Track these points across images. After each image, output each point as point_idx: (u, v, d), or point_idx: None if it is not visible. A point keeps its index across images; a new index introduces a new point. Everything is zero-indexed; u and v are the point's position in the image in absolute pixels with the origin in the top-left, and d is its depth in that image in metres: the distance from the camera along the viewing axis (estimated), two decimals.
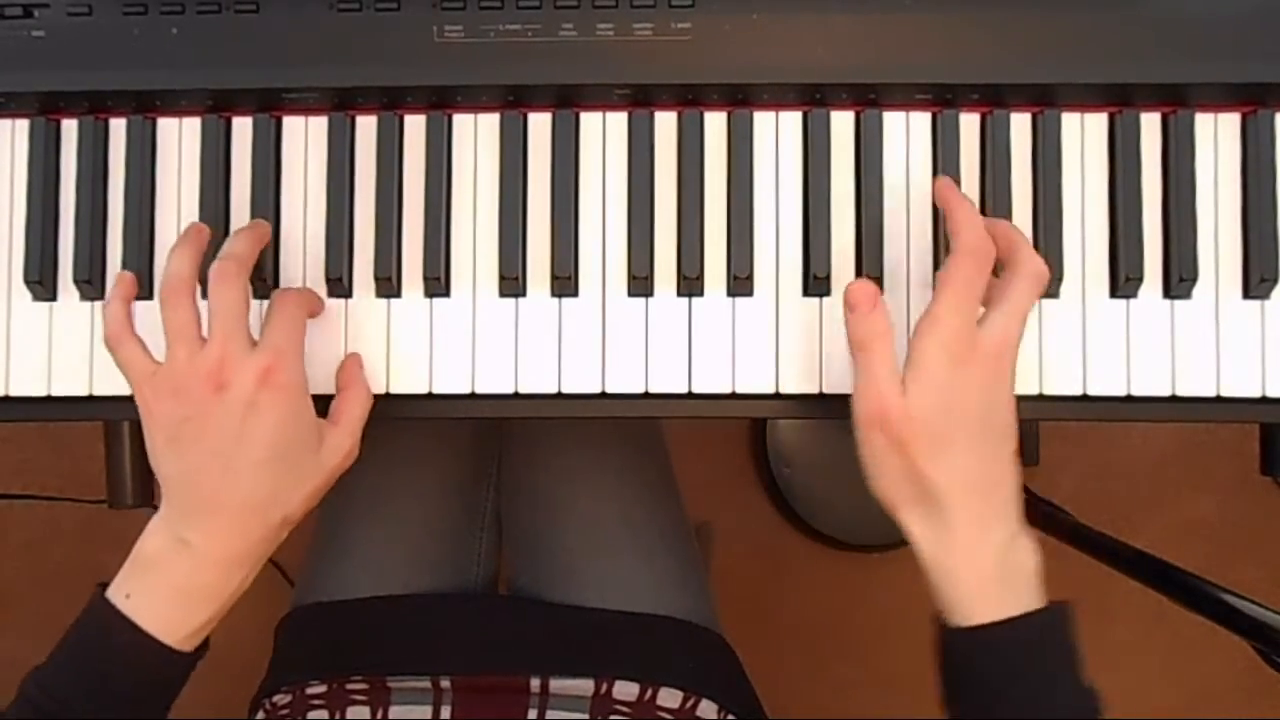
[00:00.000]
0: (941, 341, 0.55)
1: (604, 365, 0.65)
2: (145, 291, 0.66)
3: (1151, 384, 0.64)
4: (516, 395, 0.65)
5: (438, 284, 0.65)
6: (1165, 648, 1.56)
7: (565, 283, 0.65)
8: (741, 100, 0.65)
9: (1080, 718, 0.57)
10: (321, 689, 0.76)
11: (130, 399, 0.61)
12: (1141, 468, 1.57)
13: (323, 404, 0.62)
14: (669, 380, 0.65)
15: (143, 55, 0.64)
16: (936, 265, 0.65)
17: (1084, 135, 0.66)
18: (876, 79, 0.64)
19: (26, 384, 0.66)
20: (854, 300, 0.57)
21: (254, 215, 0.66)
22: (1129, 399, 0.65)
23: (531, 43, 0.64)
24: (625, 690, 0.76)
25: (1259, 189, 0.64)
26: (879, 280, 0.64)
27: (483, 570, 0.89)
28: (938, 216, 0.65)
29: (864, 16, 0.63)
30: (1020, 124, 0.66)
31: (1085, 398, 0.65)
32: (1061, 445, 1.56)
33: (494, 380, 0.65)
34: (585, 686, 0.76)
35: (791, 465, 1.45)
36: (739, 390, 0.65)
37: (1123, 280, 0.64)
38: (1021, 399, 0.64)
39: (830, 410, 0.64)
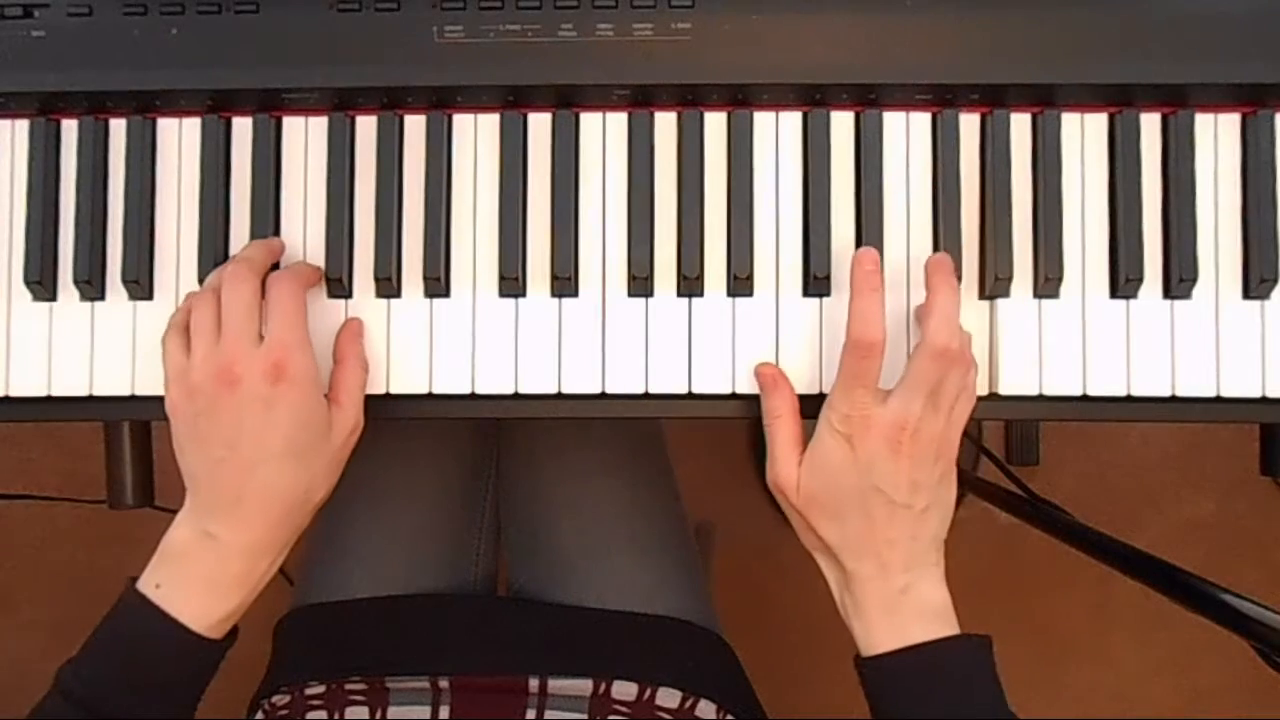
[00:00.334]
0: (830, 424, 0.60)
1: (604, 365, 0.65)
2: (146, 293, 0.66)
3: (1151, 384, 0.64)
4: (516, 395, 0.65)
5: (438, 284, 0.65)
6: (1165, 648, 1.56)
7: (565, 283, 0.65)
8: (741, 100, 0.65)
9: None
10: (320, 689, 0.76)
11: (128, 399, 0.64)
12: (1141, 468, 1.57)
13: None
14: (669, 380, 0.65)
15: (143, 55, 0.64)
16: None
17: (1084, 135, 0.66)
18: (876, 79, 0.64)
19: (26, 384, 0.66)
20: (760, 383, 0.64)
21: (254, 215, 0.66)
22: (1129, 399, 0.65)
23: (531, 43, 0.64)
24: (624, 690, 0.76)
25: (1259, 189, 0.64)
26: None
27: (482, 570, 0.89)
28: (937, 216, 0.65)
29: (864, 16, 0.63)
30: (1020, 124, 0.66)
31: (1085, 398, 0.65)
32: (1061, 445, 1.56)
33: (494, 380, 0.65)
34: (584, 686, 0.76)
35: None
36: (739, 390, 0.65)
37: (1123, 280, 0.64)
38: (1022, 399, 0.64)
39: None
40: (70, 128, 0.67)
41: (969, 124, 0.66)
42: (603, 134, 0.66)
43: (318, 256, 0.66)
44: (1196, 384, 0.64)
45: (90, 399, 0.66)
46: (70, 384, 0.66)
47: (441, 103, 0.66)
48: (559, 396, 0.65)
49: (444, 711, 0.74)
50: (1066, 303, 0.65)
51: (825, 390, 0.64)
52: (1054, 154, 0.65)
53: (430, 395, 0.65)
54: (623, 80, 0.64)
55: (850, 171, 0.66)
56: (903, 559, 0.60)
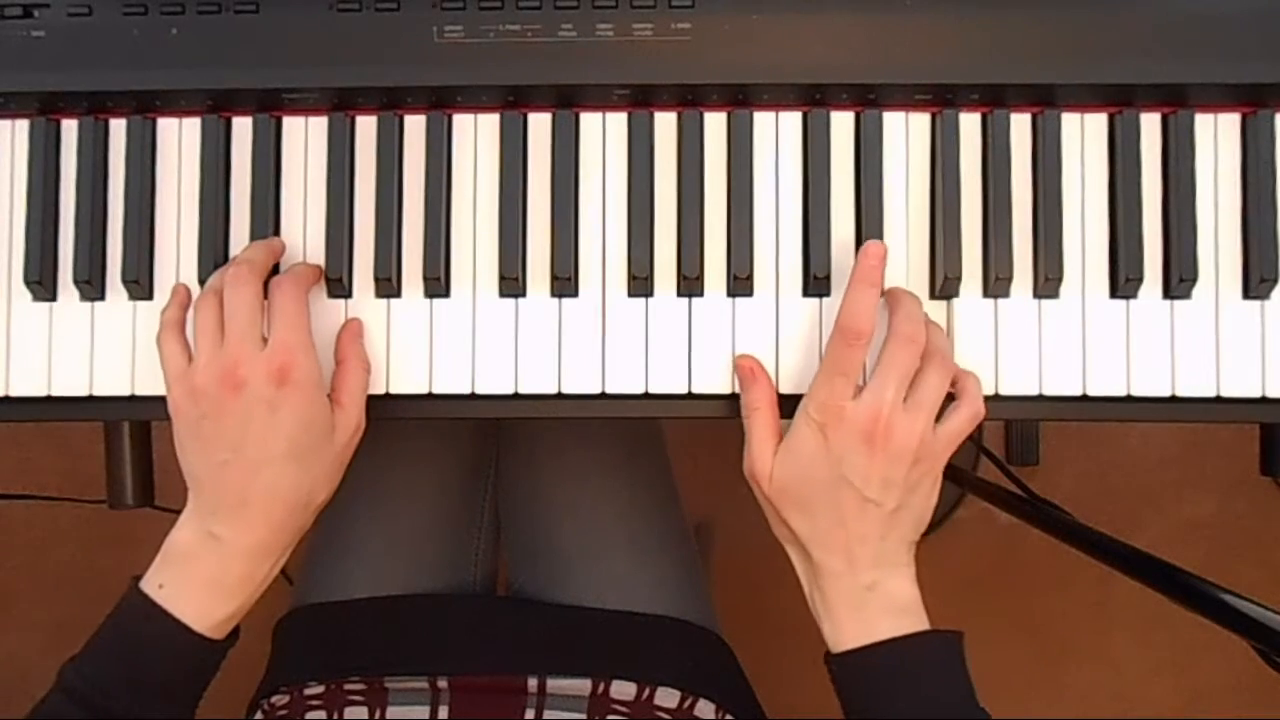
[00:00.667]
0: (808, 414, 0.60)
1: (604, 365, 0.65)
2: (146, 293, 0.66)
3: (1151, 384, 0.64)
4: (516, 395, 0.65)
5: (438, 284, 0.65)
6: (1165, 648, 1.56)
7: (565, 283, 0.65)
8: (741, 100, 0.65)
9: None
10: (319, 689, 0.76)
11: (128, 399, 0.64)
12: (1141, 468, 1.57)
13: None
14: (669, 380, 0.65)
15: (143, 55, 0.64)
16: (936, 266, 0.65)
17: (1084, 135, 0.66)
18: (876, 79, 0.64)
19: (26, 384, 0.66)
20: (739, 375, 0.64)
21: (254, 215, 0.66)
22: (1129, 399, 0.65)
23: (531, 43, 0.64)
24: (623, 690, 0.76)
25: (1259, 189, 0.64)
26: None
27: (481, 570, 0.89)
28: (937, 216, 0.65)
29: (864, 16, 0.63)
30: (1020, 124, 0.66)
31: (1085, 398, 0.65)
32: (1061, 445, 1.56)
33: (494, 380, 0.65)
34: (583, 686, 0.76)
35: None
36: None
37: (1123, 280, 0.64)
38: (1021, 399, 0.64)
39: None
40: (70, 128, 0.67)
41: (969, 124, 0.66)
42: (603, 134, 0.66)
43: (318, 256, 0.66)
44: (1196, 384, 0.64)
45: (90, 399, 0.66)
46: (70, 384, 0.66)
47: (441, 103, 0.66)
48: (559, 396, 0.65)
49: (443, 711, 0.74)
50: (1066, 303, 0.65)
51: None
52: (1054, 154, 0.65)
53: (430, 395, 0.65)
54: (623, 80, 0.64)
55: (850, 171, 0.66)
56: (871, 556, 0.60)
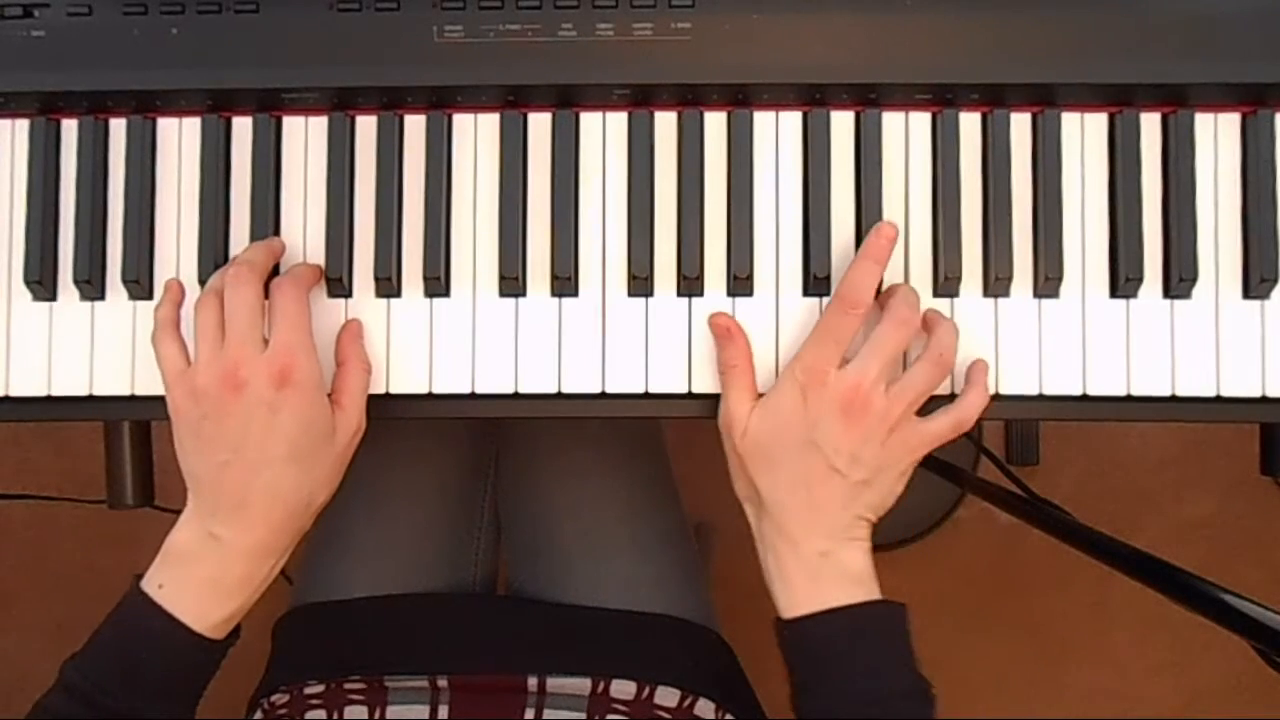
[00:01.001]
0: (793, 373, 0.61)
1: (604, 365, 0.65)
2: (146, 293, 0.66)
3: (1151, 384, 0.64)
4: (516, 395, 0.65)
5: (438, 284, 0.65)
6: (1165, 648, 1.56)
7: (565, 283, 0.65)
8: (741, 100, 0.65)
9: (884, 711, 0.60)
10: (319, 689, 0.76)
11: (128, 399, 0.64)
12: (1141, 468, 1.57)
13: None
14: (669, 380, 0.65)
15: (143, 55, 0.64)
16: (936, 265, 0.65)
17: (1084, 135, 0.66)
18: (876, 79, 0.64)
19: (26, 384, 0.66)
20: (714, 334, 0.64)
21: (254, 215, 0.66)
22: (1129, 399, 0.65)
23: (531, 43, 0.64)
24: (623, 689, 0.76)
25: (1259, 189, 0.64)
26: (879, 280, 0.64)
27: (481, 570, 0.89)
28: (937, 216, 0.65)
29: (864, 16, 0.63)
30: (1020, 124, 0.66)
31: (1085, 398, 0.65)
32: (1061, 445, 1.56)
33: (494, 380, 0.65)
34: (583, 685, 0.76)
35: None
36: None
37: (1123, 280, 0.64)
38: (1021, 399, 0.64)
39: None
40: (70, 128, 0.67)
41: (969, 124, 0.66)
42: (603, 134, 0.66)
43: (318, 256, 0.66)
44: (1196, 384, 0.64)
45: (90, 399, 0.66)
46: (70, 384, 0.66)
47: (441, 103, 0.66)
48: (559, 396, 0.65)
49: (443, 711, 0.74)
50: (1066, 303, 0.65)
51: None
52: (1054, 154, 0.65)
53: (430, 395, 0.65)
54: (623, 80, 0.64)
55: (850, 171, 0.66)
56: (828, 524, 0.61)
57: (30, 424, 0.67)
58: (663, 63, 0.64)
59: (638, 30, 0.63)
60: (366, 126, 0.66)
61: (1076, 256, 0.65)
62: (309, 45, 0.64)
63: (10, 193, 0.67)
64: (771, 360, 0.65)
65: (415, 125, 0.66)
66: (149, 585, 0.60)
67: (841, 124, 0.66)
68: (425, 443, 0.88)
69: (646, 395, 0.65)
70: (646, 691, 0.76)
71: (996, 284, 0.64)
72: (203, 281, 0.65)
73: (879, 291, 0.64)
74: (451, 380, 0.65)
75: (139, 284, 0.66)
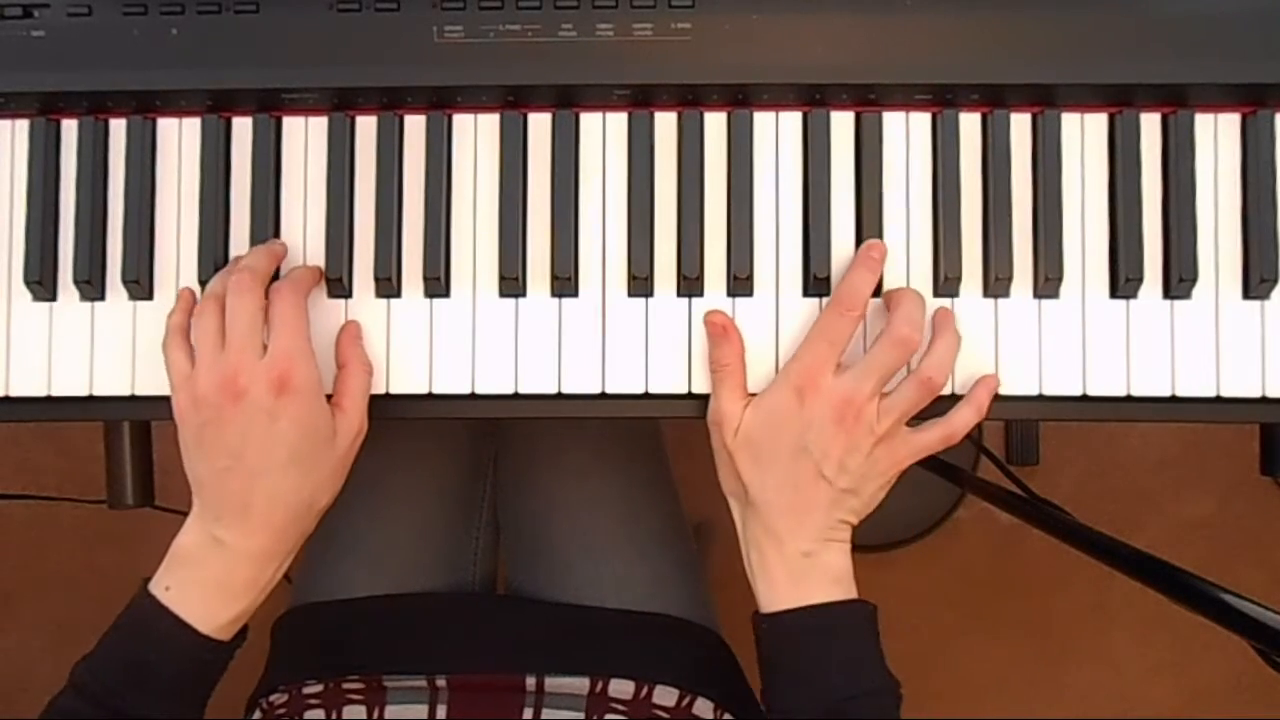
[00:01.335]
0: (789, 375, 0.62)
1: (604, 365, 0.65)
2: (146, 293, 0.66)
3: (1151, 384, 0.64)
4: (516, 395, 0.65)
5: (438, 284, 0.65)
6: (1165, 648, 1.56)
7: (565, 283, 0.65)
8: (741, 100, 0.65)
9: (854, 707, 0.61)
10: (318, 688, 0.76)
11: (128, 399, 0.65)
12: (1141, 468, 1.57)
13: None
14: (669, 380, 0.65)
15: (143, 55, 0.64)
16: (936, 266, 0.65)
17: (1084, 135, 0.66)
18: (876, 79, 0.64)
19: (26, 384, 0.66)
20: (709, 331, 0.64)
21: (254, 215, 0.66)
22: (1129, 399, 0.65)
23: (531, 43, 0.64)
24: (621, 688, 0.76)
25: (1259, 189, 0.64)
26: (878, 281, 0.64)
27: (480, 569, 0.89)
28: (937, 216, 0.65)
29: (864, 16, 0.63)
30: (1020, 124, 0.66)
31: (1085, 398, 0.65)
32: (1061, 445, 1.56)
33: (494, 380, 0.65)
34: (581, 685, 0.76)
35: None
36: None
37: (1123, 280, 0.64)
38: (1021, 399, 0.64)
39: None
40: (70, 128, 0.67)
41: (969, 124, 0.66)
42: (603, 134, 0.66)
43: (318, 256, 0.66)
44: (1196, 384, 0.64)
45: (90, 399, 0.66)
46: (70, 384, 0.66)
47: (441, 103, 0.66)
48: (559, 396, 0.65)
49: (441, 710, 0.74)
50: (1066, 303, 0.65)
51: None
52: (1054, 154, 0.65)
53: (430, 395, 0.65)
54: (623, 80, 0.64)
55: (850, 171, 0.66)
56: (812, 526, 0.62)
57: (30, 424, 0.67)
58: (663, 63, 0.64)
59: (638, 30, 0.63)
60: (366, 126, 0.66)
61: (1076, 257, 0.65)
62: (309, 45, 0.64)
63: (10, 193, 0.67)
64: (771, 360, 0.65)
65: (415, 125, 0.66)
66: (156, 588, 0.61)
67: (841, 124, 0.66)
68: (424, 443, 0.88)
69: (646, 395, 0.65)
70: (645, 691, 0.76)
71: (996, 284, 0.64)
72: (203, 282, 0.65)
73: (879, 290, 0.64)
74: (451, 380, 0.65)
75: (139, 284, 0.66)
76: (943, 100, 0.65)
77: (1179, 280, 0.64)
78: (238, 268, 0.62)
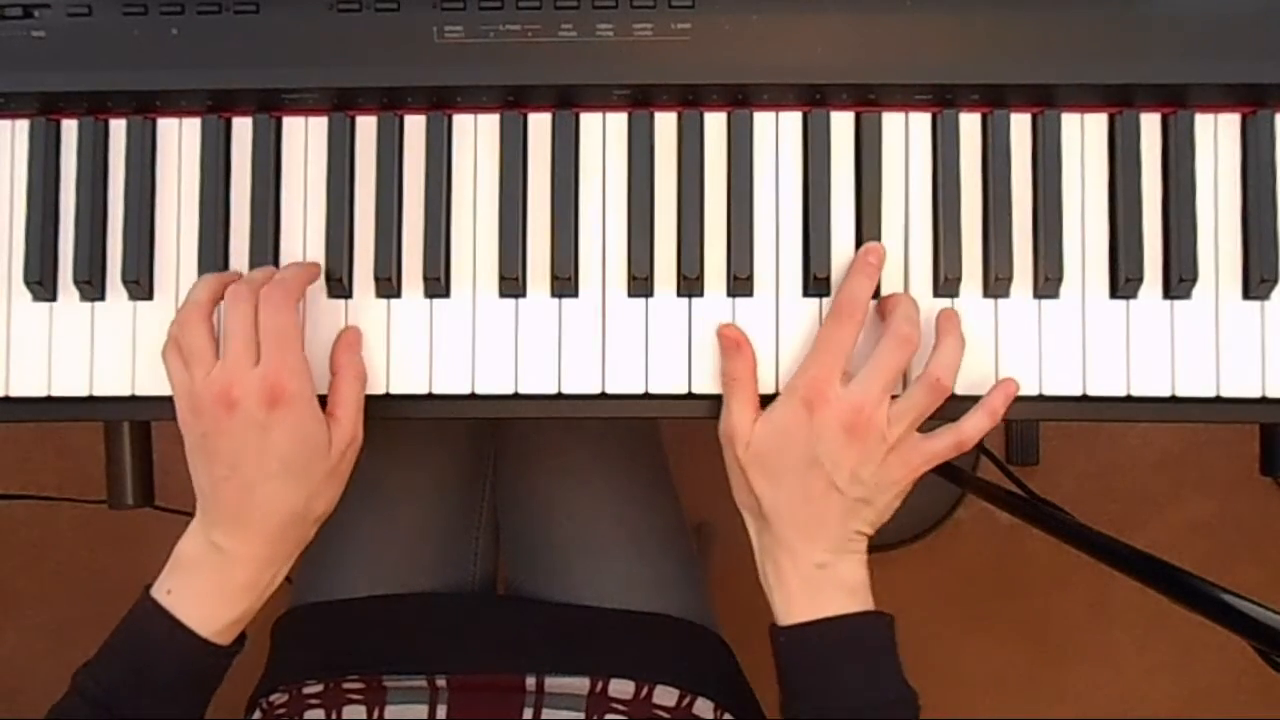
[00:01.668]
0: (796, 388, 0.61)
1: (604, 365, 0.65)
2: (146, 293, 0.66)
3: (1151, 384, 0.64)
4: (516, 395, 0.65)
5: (438, 284, 0.65)
6: (1165, 648, 1.56)
7: (565, 283, 0.65)
8: (741, 100, 0.65)
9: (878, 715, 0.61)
10: (318, 688, 0.76)
11: (128, 399, 0.65)
12: (1141, 468, 1.57)
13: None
14: (669, 380, 0.65)
15: (143, 55, 0.64)
16: (936, 266, 0.65)
17: (1084, 135, 0.66)
18: (876, 79, 0.64)
19: (26, 384, 0.66)
20: (721, 345, 0.64)
21: (254, 215, 0.66)
22: (1129, 399, 0.65)
23: (531, 43, 0.64)
24: (621, 688, 0.76)
25: (1259, 189, 0.64)
26: (878, 281, 0.64)
27: (480, 570, 0.89)
28: (937, 216, 0.65)
29: (864, 16, 0.63)
30: (1020, 124, 0.66)
31: (1085, 398, 0.65)
32: (1061, 445, 1.56)
33: (494, 380, 0.65)
34: (581, 685, 0.76)
35: None
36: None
37: (1123, 280, 0.64)
38: (1021, 399, 0.64)
39: None
40: (70, 128, 0.67)
41: (969, 124, 0.66)
42: (603, 134, 0.66)
43: (318, 256, 0.66)
44: (1196, 384, 0.64)
45: (90, 399, 0.66)
46: (70, 384, 0.66)
47: (441, 103, 0.66)
48: (559, 397, 0.65)
49: (441, 710, 0.74)
50: (1066, 303, 0.65)
51: None
52: (1054, 154, 0.65)
53: (430, 395, 0.66)
54: (623, 80, 0.64)
55: (850, 171, 0.66)
56: (827, 538, 0.62)
57: (30, 424, 0.67)
58: (663, 63, 0.64)
59: (638, 30, 0.63)
60: (366, 127, 0.66)
61: (1076, 257, 0.65)
62: (309, 45, 0.64)
63: (10, 193, 0.67)
64: (771, 360, 0.65)
65: (415, 125, 0.66)
66: (158, 591, 0.62)
67: (841, 124, 0.66)
68: (423, 443, 0.88)
69: (646, 395, 0.65)
70: (645, 691, 0.76)
71: (996, 284, 0.64)
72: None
73: (878, 293, 0.64)
74: (451, 381, 0.65)
75: (139, 284, 0.66)
76: (943, 100, 0.65)
77: (1179, 280, 0.64)
78: (241, 279, 0.62)
